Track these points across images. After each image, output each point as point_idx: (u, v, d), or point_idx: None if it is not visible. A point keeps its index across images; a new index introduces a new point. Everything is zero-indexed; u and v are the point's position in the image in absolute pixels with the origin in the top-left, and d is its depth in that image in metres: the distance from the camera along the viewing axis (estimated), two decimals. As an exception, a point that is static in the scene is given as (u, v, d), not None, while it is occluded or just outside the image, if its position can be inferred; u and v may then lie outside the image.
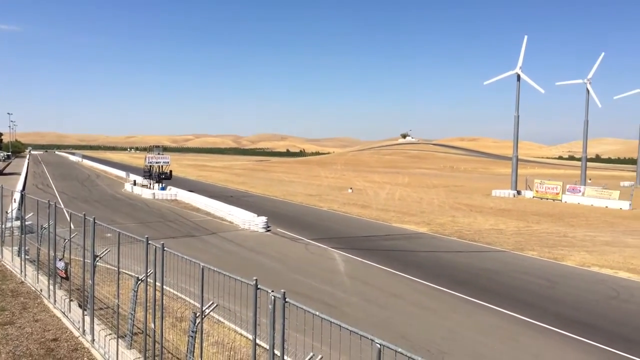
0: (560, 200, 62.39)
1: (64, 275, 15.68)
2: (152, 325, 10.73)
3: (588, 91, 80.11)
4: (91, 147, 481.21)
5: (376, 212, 46.95)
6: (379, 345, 5.63)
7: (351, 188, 73.31)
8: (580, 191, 63.23)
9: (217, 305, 9.37)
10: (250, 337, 8.11)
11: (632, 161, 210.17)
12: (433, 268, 24.95)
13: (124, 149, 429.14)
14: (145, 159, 60.95)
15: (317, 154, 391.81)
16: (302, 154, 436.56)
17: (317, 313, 6.61)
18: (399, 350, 5.38)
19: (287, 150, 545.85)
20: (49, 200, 17.60)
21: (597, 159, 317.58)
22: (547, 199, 64.22)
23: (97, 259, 13.38)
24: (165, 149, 70.71)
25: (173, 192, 55.33)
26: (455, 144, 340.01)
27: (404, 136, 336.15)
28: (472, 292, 20.37)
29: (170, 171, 61.00)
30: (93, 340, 13.31)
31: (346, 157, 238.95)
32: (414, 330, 15.95)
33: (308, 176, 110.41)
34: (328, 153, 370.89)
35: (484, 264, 26.29)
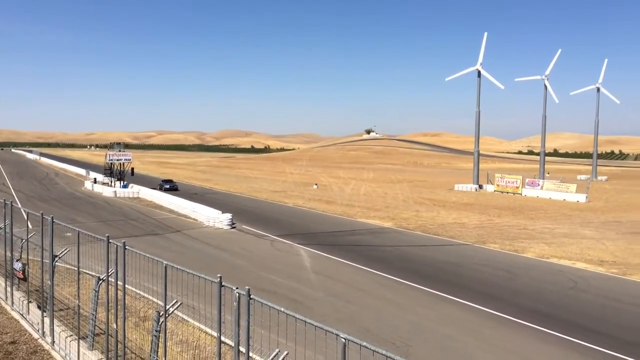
0: (520, 194, 63.90)
1: (22, 276, 15.25)
2: (115, 326, 10.52)
3: (546, 87, 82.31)
4: (49, 145, 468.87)
5: (341, 207, 47.16)
6: (344, 340, 5.65)
7: (316, 184, 73.43)
8: (539, 185, 64.90)
9: (181, 304, 9.25)
10: (216, 334, 8.04)
11: (588, 155, 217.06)
12: (398, 262, 25.21)
13: (84, 146, 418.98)
14: (106, 156, 59.75)
15: (282, 150, 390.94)
16: (266, 150, 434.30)
17: (283, 309, 6.60)
18: (364, 344, 5.41)
19: (252, 147, 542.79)
20: (4, 200, 17.08)
21: (555, 153, 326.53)
22: (507, 192, 65.68)
23: (56, 259, 13.05)
24: (127, 146, 69.30)
25: (135, 190, 54.37)
26: (418, 140, 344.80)
27: (369, 132, 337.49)
28: (436, 285, 20.66)
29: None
30: (53, 342, 12.99)
31: (311, 153, 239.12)
32: (380, 324, 16.09)
33: (273, 172, 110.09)
34: (293, 149, 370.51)
35: (447, 257, 26.73)
